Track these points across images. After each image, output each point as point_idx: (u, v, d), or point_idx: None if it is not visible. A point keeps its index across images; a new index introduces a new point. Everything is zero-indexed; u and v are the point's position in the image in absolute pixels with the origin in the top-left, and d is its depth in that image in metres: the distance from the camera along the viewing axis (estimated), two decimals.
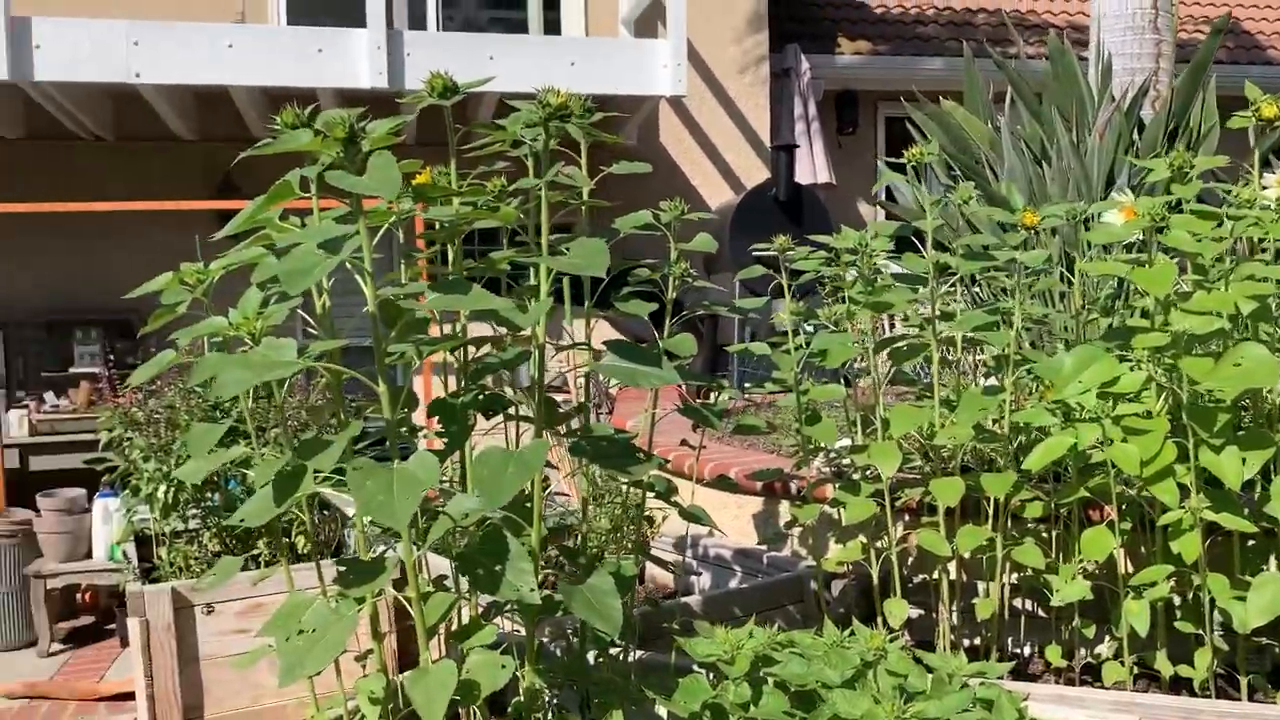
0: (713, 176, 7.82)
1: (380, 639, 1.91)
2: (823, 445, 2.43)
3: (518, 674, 1.79)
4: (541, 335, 1.69)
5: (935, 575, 2.51)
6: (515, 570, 1.58)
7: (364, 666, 1.92)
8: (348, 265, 1.60)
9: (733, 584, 3.05)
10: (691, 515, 2.06)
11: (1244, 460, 1.83)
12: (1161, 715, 1.90)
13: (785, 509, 3.20)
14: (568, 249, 1.66)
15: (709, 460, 3.44)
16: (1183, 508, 1.89)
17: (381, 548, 2.04)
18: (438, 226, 1.84)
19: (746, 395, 5.26)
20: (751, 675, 1.77)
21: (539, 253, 1.66)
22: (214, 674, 2.92)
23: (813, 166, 8.25)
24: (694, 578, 3.42)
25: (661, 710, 2.14)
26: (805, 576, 2.85)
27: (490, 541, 1.62)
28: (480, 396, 1.79)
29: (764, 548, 3.28)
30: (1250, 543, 2.10)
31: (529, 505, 1.79)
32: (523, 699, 1.77)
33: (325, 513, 3.60)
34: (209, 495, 3.29)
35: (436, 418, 1.71)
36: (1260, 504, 1.95)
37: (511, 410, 1.94)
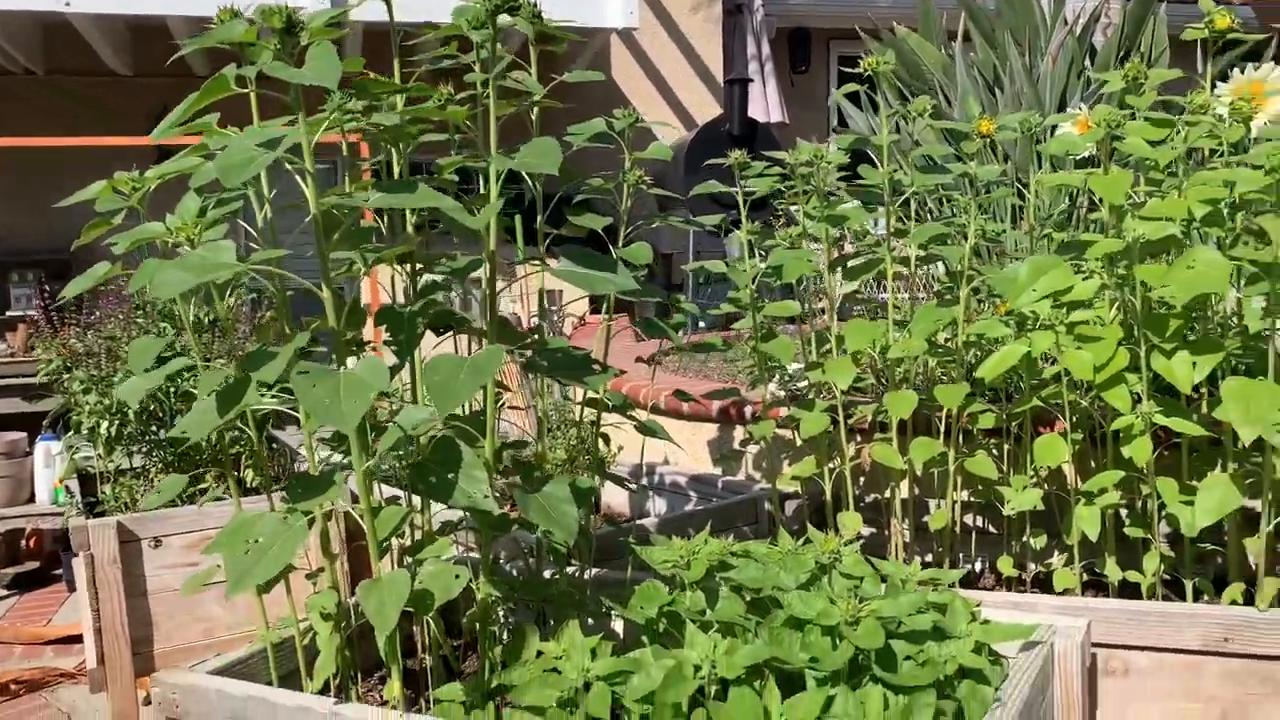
0: (665, 113, 7.73)
1: (332, 559, 1.88)
2: (778, 363, 2.41)
3: (472, 585, 1.77)
4: (492, 241, 1.65)
5: (888, 494, 2.53)
6: (468, 478, 1.55)
7: (315, 584, 1.89)
8: (288, 167, 1.54)
9: (688, 509, 3.06)
10: (648, 429, 2.04)
11: (1194, 365, 1.85)
12: (1109, 617, 1.93)
13: (740, 434, 3.20)
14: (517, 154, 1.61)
15: (664, 388, 3.42)
16: (1134, 413, 1.91)
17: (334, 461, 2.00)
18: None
19: (701, 326, 5.25)
20: (707, 582, 1.76)
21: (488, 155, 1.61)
22: (163, 608, 2.87)
23: (765, 105, 8.20)
24: (650, 505, 3.42)
25: (618, 625, 2.14)
26: (760, 498, 2.86)
27: (442, 450, 1.59)
28: (430, 309, 1.75)
29: (719, 472, 3.29)
30: (1197, 453, 2.13)
31: (483, 418, 1.76)
32: (477, 610, 1.75)
33: (274, 447, 3.54)
34: (153, 429, 3.22)
35: (384, 327, 1.67)
36: (1210, 409, 1.97)
37: (464, 330, 1.90)
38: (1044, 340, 1.91)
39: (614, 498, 3.58)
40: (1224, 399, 1.73)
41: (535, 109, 1.93)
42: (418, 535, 1.94)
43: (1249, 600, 1.97)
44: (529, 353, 1.81)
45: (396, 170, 1.88)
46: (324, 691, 1.78)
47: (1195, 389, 2.25)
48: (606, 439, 2.12)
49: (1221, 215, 1.86)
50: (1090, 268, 2.01)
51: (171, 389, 3.12)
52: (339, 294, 1.63)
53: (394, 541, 1.99)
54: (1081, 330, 1.91)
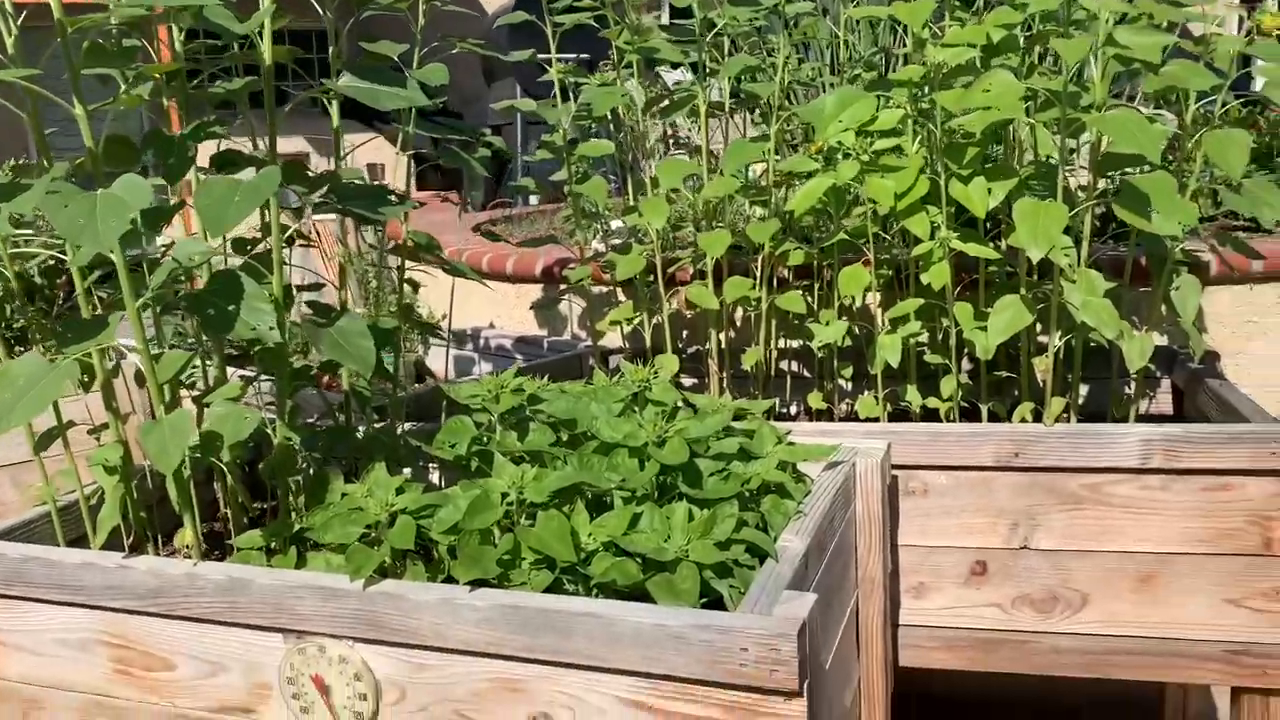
0: None
1: (118, 416, 1.75)
2: (596, 207, 2.37)
3: (269, 431, 1.69)
4: (268, 52, 1.52)
5: (707, 345, 2.55)
6: (251, 310, 1.46)
7: (99, 440, 1.76)
8: None
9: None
10: (456, 269, 1.97)
11: (990, 191, 1.89)
12: (911, 438, 2.01)
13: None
14: None
15: (486, 251, 3.34)
16: (934, 240, 1.95)
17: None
18: None
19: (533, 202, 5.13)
20: (518, 416, 1.73)
21: None
22: None
23: None
24: (477, 369, 3.37)
25: (434, 477, 2.09)
26: (584, 355, 2.85)
27: (222, 282, 1.49)
28: (203, 133, 1.61)
29: (545, 334, 3.25)
30: (993, 286, 2.21)
31: (269, 253, 1.66)
32: (276, 456, 1.67)
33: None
34: None
35: (151, 151, 1.53)
36: (1005, 236, 2.04)
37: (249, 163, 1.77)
38: (849, 170, 1.92)
39: (440, 365, 3.51)
40: (1015, 220, 1.78)
41: None
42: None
43: (1038, 418, 2.08)
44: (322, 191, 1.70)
45: None
46: (114, 550, 1.68)
47: (992, 221, 2.32)
48: (415, 285, 2.04)
49: (1017, 40, 1.89)
50: (895, 100, 2.02)
51: None
52: (97, 117, 1.48)
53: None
54: (885, 160, 1.93)
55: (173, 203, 1.81)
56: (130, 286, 1.46)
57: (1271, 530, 1.87)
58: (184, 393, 1.88)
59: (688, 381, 2.74)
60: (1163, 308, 2.14)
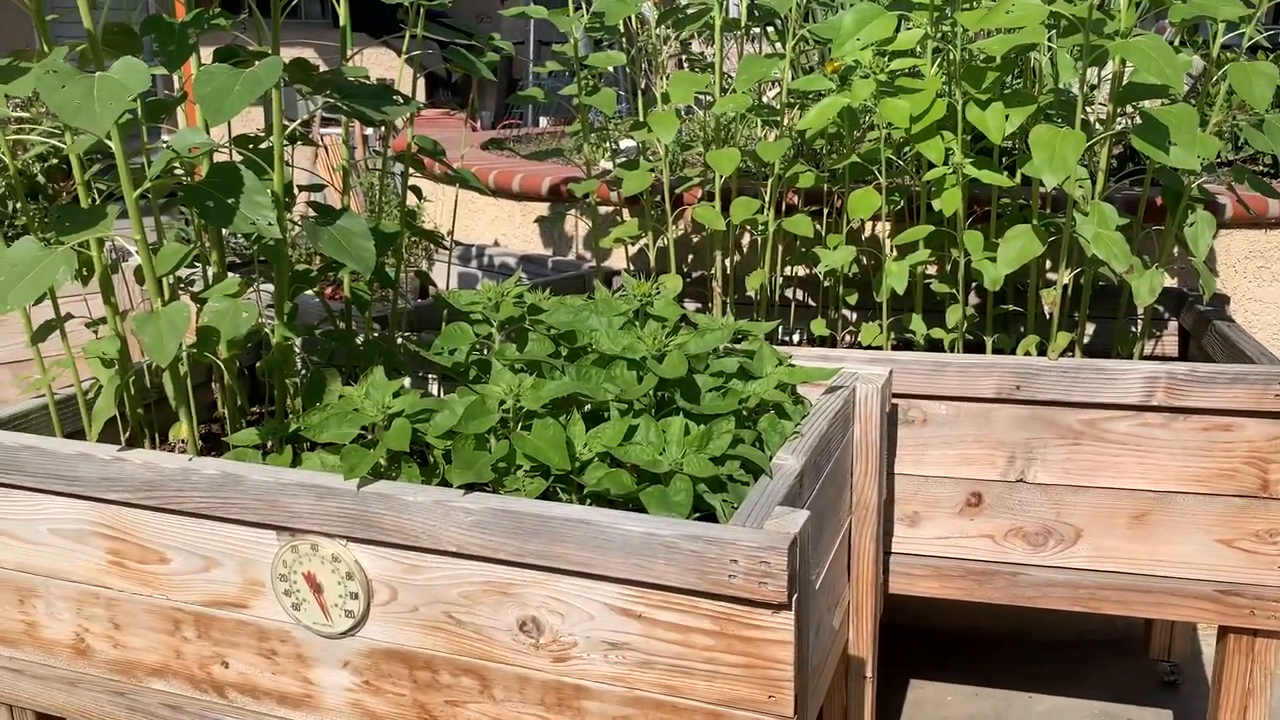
0: None
1: (116, 310, 1.74)
2: (605, 124, 2.33)
3: (268, 332, 1.68)
4: None
5: (712, 270, 2.52)
6: (250, 203, 1.44)
7: (96, 334, 1.76)
8: None
9: None
10: (459, 176, 1.94)
11: (1007, 117, 1.85)
12: (913, 368, 1.99)
13: (572, 219, 3.13)
14: None
15: (492, 168, 3.30)
16: (947, 165, 1.92)
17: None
18: None
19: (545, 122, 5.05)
20: (518, 326, 1.72)
21: None
22: None
23: None
24: (479, 286, 3.35)
25: (434, 389, 2.09)
26: (588, 275, 2.82)
27: (222, 173, 1.46)
28: (204, 22, 1.57)
29: (550, 253, 3.22)
30: (1004, 217, 2.18)
31: (269, 147, 1.63)
32: (274, 354, 1.66)
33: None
34: None
35: (150, 36, 1.49)
36: (1020, 163, 2.00)
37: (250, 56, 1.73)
38: (864, 89, 1.88)
39: (444, 282, 3.49)
40: (1031, 146, 1.74)
41: None
42: None
43: (1042, 353, 2.07)
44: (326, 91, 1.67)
45: None
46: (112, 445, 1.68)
47: (1007, 155, 2.28)
48: (418, 192, 2.01)
49: None
50: (915, 21, 1.98)
51: None
52: (96, 3, 1.44)
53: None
54: (901, 81, 1.89)
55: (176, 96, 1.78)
56: (128, 175, 1.44)
57: (1269, 472, 1.86)
58: (186, 299, 1.87)
59: (691, 305, 2.72)
60: (1175, 248, 2.11)
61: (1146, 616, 2.09)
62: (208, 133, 1.72)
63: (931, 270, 2.29)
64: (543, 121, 5.32)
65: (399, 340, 1.95)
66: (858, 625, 1.95)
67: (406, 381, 1.87)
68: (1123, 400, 1.89)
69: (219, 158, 1.79)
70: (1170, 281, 2.51)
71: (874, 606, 1.95)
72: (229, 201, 1.42)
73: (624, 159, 2.81)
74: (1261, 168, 2.95)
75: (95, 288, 1.73)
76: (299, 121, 1.95)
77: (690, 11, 2.18)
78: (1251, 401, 1.83)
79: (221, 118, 1.34)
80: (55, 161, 3.24)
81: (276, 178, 1.60)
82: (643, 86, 2.58)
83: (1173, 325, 2.47)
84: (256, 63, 1.41)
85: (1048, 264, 2.29)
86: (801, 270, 2.57)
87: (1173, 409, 1.88)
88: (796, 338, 2.63)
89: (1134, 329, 2.31)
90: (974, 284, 2.18)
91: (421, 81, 2.06)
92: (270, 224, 1.43)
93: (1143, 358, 2.22)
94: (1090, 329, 2.42)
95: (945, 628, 2.88)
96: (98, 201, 1.73)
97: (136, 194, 1.47)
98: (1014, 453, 1.99)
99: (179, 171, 1.80)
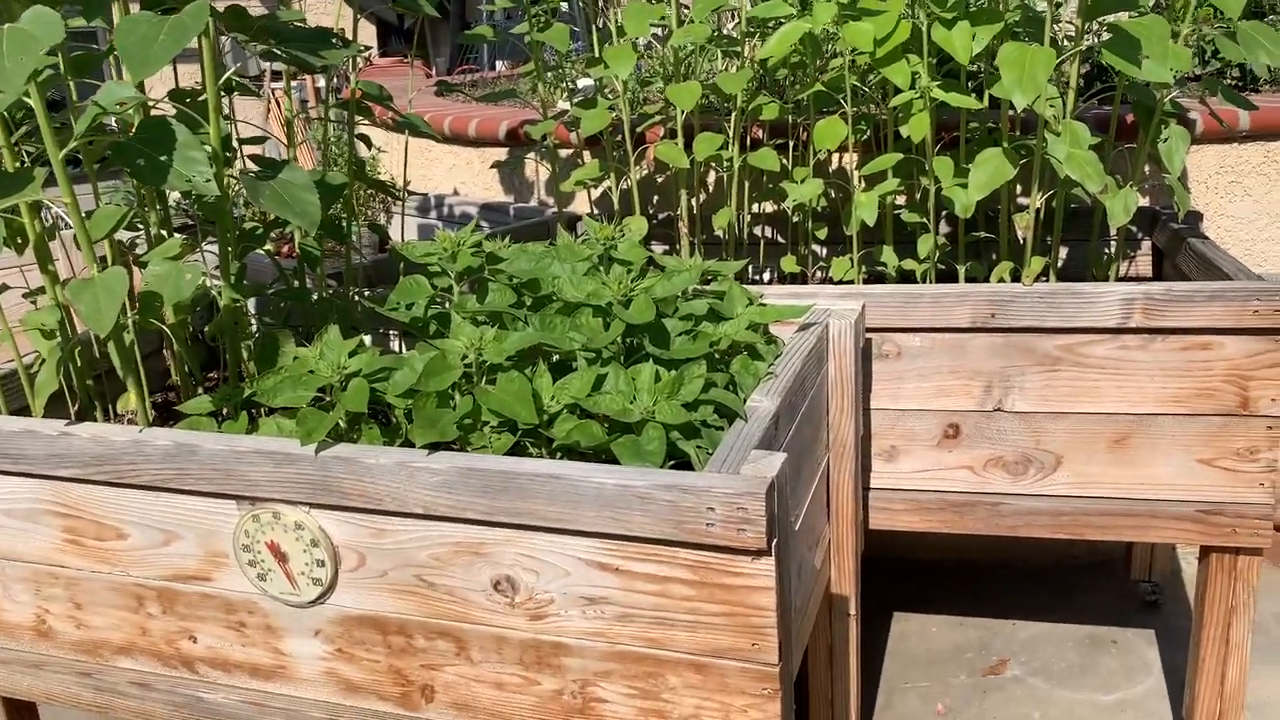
0: None
1: (55, 280, 1.66)
2: (559, 64, 2.24)
3: (216, 295, 1.61)
4: None
5: (678, 210, 2.46)
6: (184, 159, 1.36)
7: (35, 304, 1.68)
8: None
9: None
10: (409, 122, 1.86)
11: (974, 36, 1.79)
12: (886, 301, 1.94)
13: (532, 164, 3.04)
14: None
15: (446, 113, 3.20)
16: (914, 90, 1.86)
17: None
18: None
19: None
20: (477, 277, 1.65)
21: None
22: None
23: None
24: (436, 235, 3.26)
25: (396, 346, 2.02)
26: (552, 221, 2.75)
27: (152, 129, 1.38)
28: None
29: (510, 200, 3.14)
30: (973, 142, 2.13)
31: (203, 100, 1.54)
32: (222, 317, 1.59)
33: None
34: None
35: None
36: (988, 85, 1.94)
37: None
38: (825, 13, 1.80)
39: (402, 237, 3.40)
40: (999, 65, 1.69)
41: None
42: None
43: (1016, 279, 2.02)
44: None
45: None
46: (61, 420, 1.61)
47: (974, 80, 2.22)
48: (367, 140, 1.93)
49: None
50: None
51: None
52: None
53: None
54: (865, 3, 1.82)
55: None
56: (51, 134, 1.35)
57: (1249, 389, 1.84)
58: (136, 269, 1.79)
59: (658, 248, 2.66)
60: (1146, 167, 2.06)
61: (1129, 540, 2.08)
62: (141, 88, 1.63)
63: (901, 200, 2.24)
64: (499, 66, 5.19)
65: (354, 297, 1.88)
66: (839, 563, 1.93)
67: (367, 339, 1.81)
68: (1100, 324, 1.86)
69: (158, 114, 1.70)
70: (1142, 200, 2.47)
71: (855, 543, 1.93)
72: (161, 159, 1.34)
73: (581, 98, 2.72)
74: (1230, 80, 2.90)
75: (32, 257, 1.65)
76: (233, 71, 1.86)
77: None
78: (1230, 319, 1.80)
79: (147, 70, 1.26)
80: None
81: (213, 131, 1.52)
82: (599, 24, 2.49)
83: (1146, 245, 2.43)
84: (185, 10, 1.33)
85: (1018, 188, 2.24)
86: (769, 206, 2.51)
87: (1151, 330, 1.85)
88: (767, 276, 2.58)
89: (1108, 251, 2.27)
90: (945, 212, 2.13)
91: (374, 30, 1.97)
92: (207, 180, 1.35)
93: (1118, 279, 2.18)
94: (1064, 253, 2.38)
95: (928, 561, 2.87)
96: (26, 165, 1.64)
97: (62, 154, 1.38)
98: (990, 382, 1.96)
99: (115, 130, 1.71)
